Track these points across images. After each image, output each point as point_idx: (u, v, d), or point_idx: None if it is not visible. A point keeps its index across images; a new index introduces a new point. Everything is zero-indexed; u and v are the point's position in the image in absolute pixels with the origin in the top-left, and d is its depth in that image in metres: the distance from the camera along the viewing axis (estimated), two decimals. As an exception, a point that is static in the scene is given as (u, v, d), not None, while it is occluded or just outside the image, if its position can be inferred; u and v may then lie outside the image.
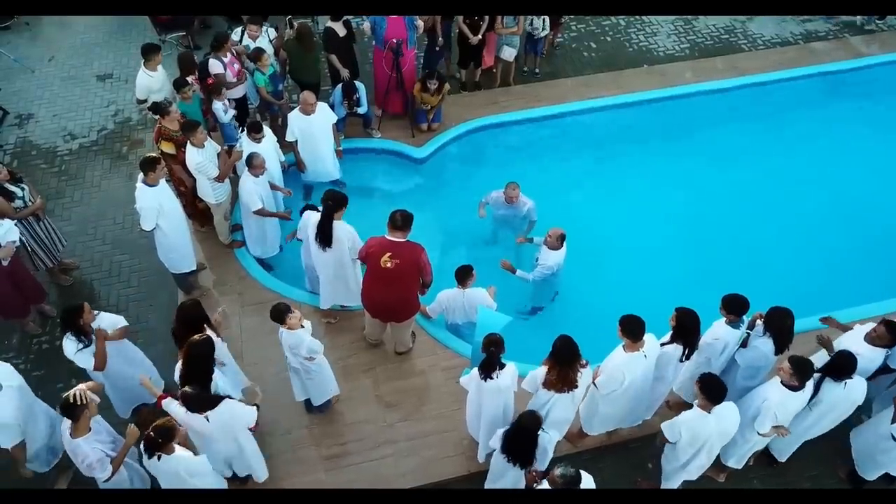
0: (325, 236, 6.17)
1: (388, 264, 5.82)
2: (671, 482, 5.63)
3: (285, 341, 5.60)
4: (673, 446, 5.28)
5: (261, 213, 7.04)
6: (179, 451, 4.82)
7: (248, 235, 7.53)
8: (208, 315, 5.58)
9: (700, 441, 5.13)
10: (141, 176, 6.44)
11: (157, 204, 6.37)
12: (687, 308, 5.33)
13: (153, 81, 7.71)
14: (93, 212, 8.25)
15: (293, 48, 8.33)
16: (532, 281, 6.95)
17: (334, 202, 6.10)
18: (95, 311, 5.58)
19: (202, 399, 4.95)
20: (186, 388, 4.94)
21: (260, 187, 6.96)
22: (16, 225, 6.41)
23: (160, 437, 4.65)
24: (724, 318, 5.56)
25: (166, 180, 6.74)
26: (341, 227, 6.20)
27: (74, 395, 4.79)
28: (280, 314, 5.48)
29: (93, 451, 4.87)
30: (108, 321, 5.62)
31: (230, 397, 5.16)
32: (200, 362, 5.14)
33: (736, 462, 5.72)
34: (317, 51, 8.43)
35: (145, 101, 7.78)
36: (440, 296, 6.58)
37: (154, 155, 6.57)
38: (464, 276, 6.36)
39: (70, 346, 5.39)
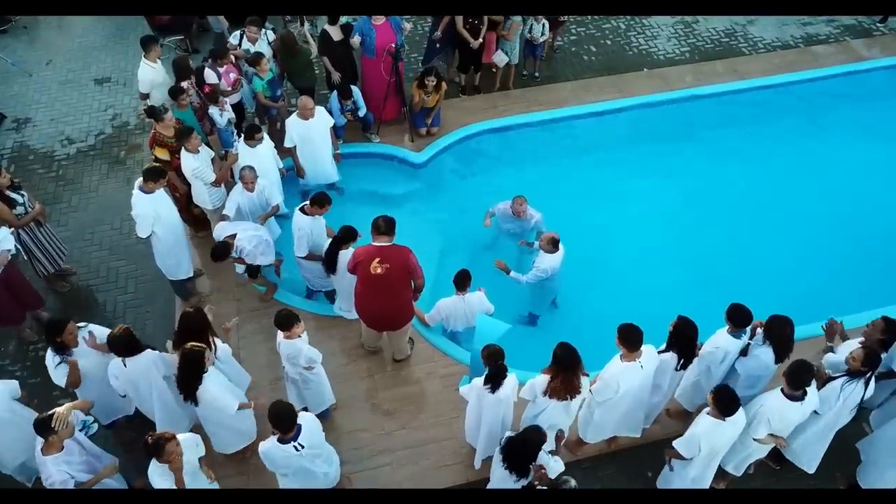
0: (330, 264, 6.40)
1: (378, 269, 5.81)
2: None
3: (283, 351, 5.56)
4: (686, 461, 5.23)
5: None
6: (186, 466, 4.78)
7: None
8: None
9: (716, 451, 5.12)
10: (138, 182, 6.42)
11: (152, 211, 6.35)
12: (686, 318, 5.31)
13: (156, 73, 7.70)
14: (90, 217, 8.22)
15: (282, 53, 8.31)
16: (526, 283, 6.92)
17: (342, 235, 6.28)
18: (82, 324, 5.53)
19: (124, 343, 5.19)
20: (114, 331, 5.24)
21: (245, 200, 6.91)
22: (19, 231, 6.41)
23: (149, 451, 4.64)
24: (727, 327, 5.53)
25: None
26: (348, 256, 6.30)
27: (54, 417, 4.76)
28: (287, 321, 5.43)
29: (57, 472, 4.79)
30: (98, 334, 5.55)
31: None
32: (189, 368, 5.19)
33: (734, 468, 5.68)
34: (303, 54, 8.35)
35: (148, 95, 7.76)
36: (440, 304, 6.54)
37: (162, 167, 6.57)
38: (463, 281, 6.33)
39: (50, 359, 5.41)
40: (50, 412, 4.81)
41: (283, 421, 4.71)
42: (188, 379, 5.20)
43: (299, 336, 5.49)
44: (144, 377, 5.38)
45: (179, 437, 4.79)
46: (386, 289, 5.93)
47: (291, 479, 5.13)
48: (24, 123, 9.44)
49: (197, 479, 4.95)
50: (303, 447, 4.82)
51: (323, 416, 6.25)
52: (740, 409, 5.02)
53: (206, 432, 5.67)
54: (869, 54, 10.54)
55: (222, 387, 5.41)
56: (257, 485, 5.88)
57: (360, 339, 6.85)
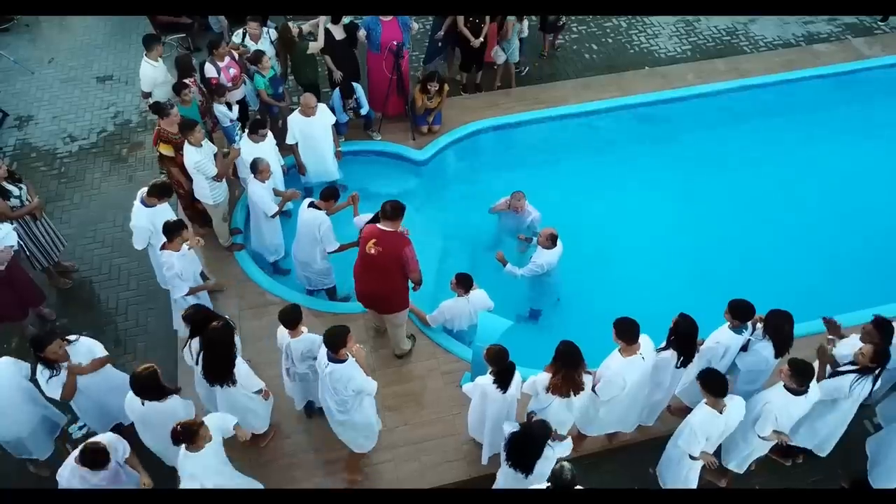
0: None
1: (372, 251, 5.91)
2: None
3: (295, 349, 5.53)
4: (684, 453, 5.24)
5: (277, 214, 7.08)
6: (208, 449, 4.81)
7: (260, 242, 7.47)
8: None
9: (713, 441, 5.16)
10: (141, 193, 6.46)
11: (150, 225, 6.37)
12: (686, 315, 5.32)
13: (157, 72, 7.71)
14: (92, 214, 8.24)
15: (281, 45, 8.35)
16: (521, 277, 6.92)
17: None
18: (73, 337, 5.43)
19: (149, 386, 5.02)
20: (139, 371, 5.00)
21: (268, 192, 6.95)
22: (13, 229, 6.39)
23: (182, 436, 4.66)
24: (728, 323, 5.54)
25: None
26: None
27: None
28: (295, 317, 5.44)
29: (67, 479, 4.78)
30: (85, 348, 5.45)
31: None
32: (218, 349, 5.15)
33: (737, 466, 5.69)
34: (299, 47, 8.29)
35: (150, 94, 7.78)
36: (443, 306, 6.55)
37: (170, 185, 6.62)
38: (466, 283, 6.35)
39: (40, 372, 5.28)
40: (102, 446, 4.76)
41: (328, 339, 4.98)
42: (222, 357, 5.16)
43: (304, 331, 5.50)
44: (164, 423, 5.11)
45: (206, 419, 4.87)
46: (376, 271, 6.01)
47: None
48: (27, 121, 9.46)
49: (220, 457, 5.01)
50: (325, 370, 5.07)
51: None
52: (738, 398, 5.07)
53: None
54: (870, 53, 10.55)
55: (245, 366, 5.47)
56: (261, 477, 5.88)
57: (364, 335, 6.87)
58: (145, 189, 6.50)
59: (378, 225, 5.96)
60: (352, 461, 5.94)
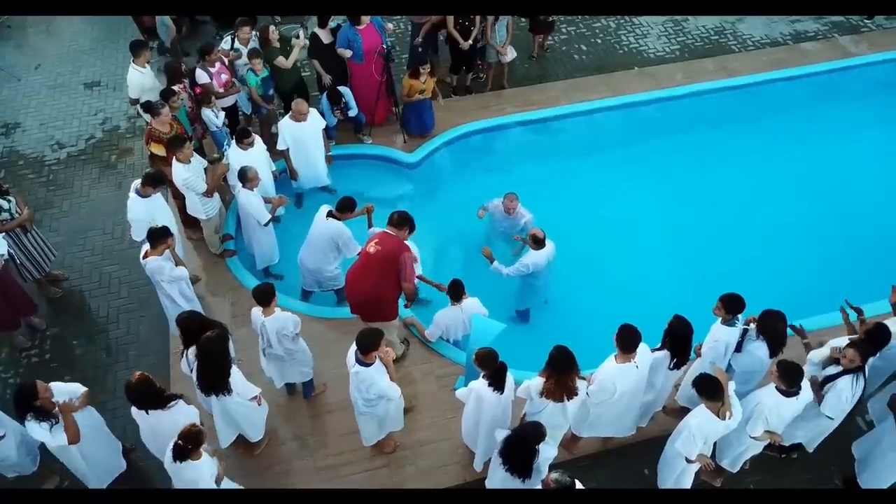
0: None
1: (371, 249, 6.07)
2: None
3: (271, 328, 5.61)
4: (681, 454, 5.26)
5: (269, 222, 7.07)
6: (206, 457, 4.79)
7: (257, 249, 7.39)
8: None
9: (709, 443, 5.18)
10: (134, 185, 6.41)
11: (149, 216, 6.35)
12: (681, 317, 5.34)
13: (145, 78, 7.67)
14: (82, 222, 8.17)
15: (260, 45, 8.25)
16: (506, 276, 6.92)
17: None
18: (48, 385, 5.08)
19: (146, 392, 4.95)
20: (131, 379, 4.92)
21: (259, 199, 6.93)
22: (3, 238, 6.34)
23: (189, 444, 4.61)
24: (720, 319, 5.56)
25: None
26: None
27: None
28: (269, 295, 5.55)
29: None
30: (64, 391, 5.14)
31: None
32: (212, 359, 5.14)
33: (730, 464, 5.71)
34: (271, 52, 8.14)
35: (138, 100, 7.72)
36: (438, 318, 6.55)
37: (163, 173, 6.59)
38: (458, 290, 6.35)
39: (36, 428, 4.92)
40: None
41: (360, 340, 5.05)
42: (216, 367, 5.15)
43: (277, 310, 5.59)
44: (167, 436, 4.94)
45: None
46: (371, 270, 6.07)
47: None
48: (14, 128, 9.38)
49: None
50: (352, 370, 5.16)
51: (309, 392, 6.41)
52: (736, 401, 5.07)
53: (217, 428, 5.65)
54: (857, 51, 10.62)
55: (239, 373, 5.46)
56: (257, 485, 5.87)
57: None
58: (139, 181, 6.50)
59: (384, 229, 6.16)
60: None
